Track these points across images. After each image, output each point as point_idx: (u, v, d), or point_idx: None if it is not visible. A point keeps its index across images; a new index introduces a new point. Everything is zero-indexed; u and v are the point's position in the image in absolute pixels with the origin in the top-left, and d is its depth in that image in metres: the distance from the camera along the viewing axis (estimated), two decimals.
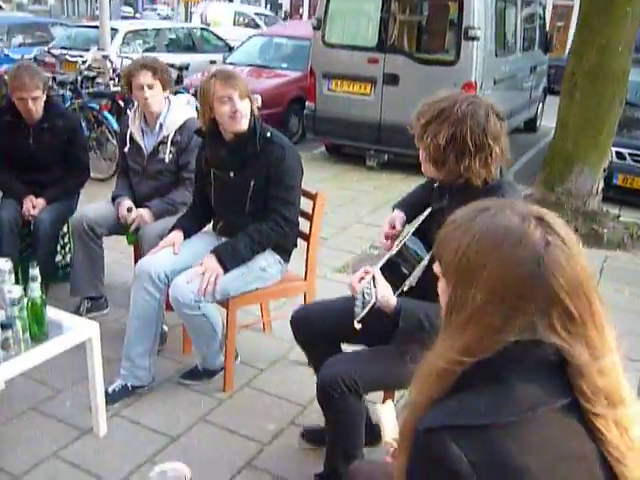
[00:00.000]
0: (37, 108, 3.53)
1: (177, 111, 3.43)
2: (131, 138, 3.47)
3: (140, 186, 3.48)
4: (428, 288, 2.08)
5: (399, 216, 2.46)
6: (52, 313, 2.42)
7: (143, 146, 3.44)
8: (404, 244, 2.20)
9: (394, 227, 2.44)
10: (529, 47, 9.26)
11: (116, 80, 6.85)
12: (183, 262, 2.86)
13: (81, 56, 7.40)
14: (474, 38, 6.86)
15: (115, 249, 4.01)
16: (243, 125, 2.77)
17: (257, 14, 20.71)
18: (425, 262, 2.20)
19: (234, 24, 18.98)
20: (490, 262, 0.99)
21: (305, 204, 3.00)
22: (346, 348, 2.43)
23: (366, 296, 1.93)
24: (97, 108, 6.19)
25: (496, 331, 0.98)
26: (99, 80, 7.01)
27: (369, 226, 5.56)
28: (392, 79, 7.30)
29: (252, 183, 2.81)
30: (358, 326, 1.93)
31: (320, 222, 3.03)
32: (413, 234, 2.24)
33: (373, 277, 1.98)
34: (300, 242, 3.07)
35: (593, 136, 5.28)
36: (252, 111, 2.81)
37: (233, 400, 2.96)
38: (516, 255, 0.98)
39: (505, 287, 0.98)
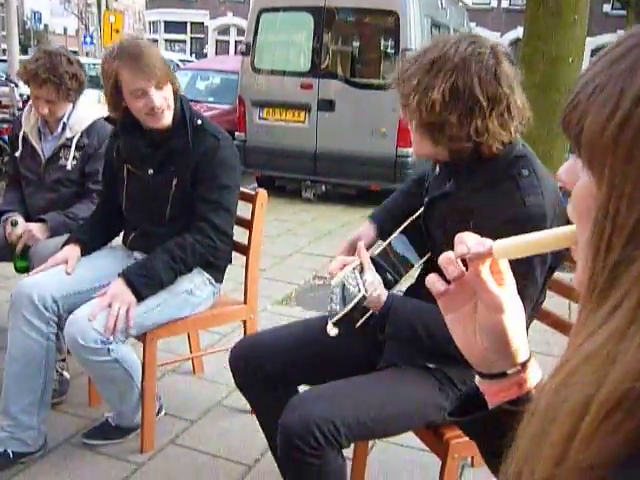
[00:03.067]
0: None
1: (84, 109, 2.80)
2: (24, 140, 2.80)
3: (35, 199, 2.79)
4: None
5: (366, 234, 1.79)
6: None
7: (40, 150, 2.77)
8: (389, 244, 1.64)
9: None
10: None
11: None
12: (79, 284, 2.19)
13: None
14: None
15: (3, 278, 3.26)
16: (165, 120, 2.17)
17: (181, 60, 20.44)
18: (416, 270, 1.64)
19: None
20: None
21: (241, 209, 2.40)
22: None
23: (349, 287, 1.35)
24: None
25: None
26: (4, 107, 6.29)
27: (310, 256, 5.00)
28: (327, 105, 6.89)
29: (174, 182, 2.20)
30: (333, 331, 1.35)
31: (261, 228, 2.43)
32: (402, 233, 1.68)
33: (360, 265, 1.41)
34: (235, 257, 2.45)
35: (548, 151, 4.94)
36: (177, 93, 2.21)
37: (155, 463, 2.26)
38: None
39: None
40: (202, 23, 32.06)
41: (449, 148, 1.48)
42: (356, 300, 1.31)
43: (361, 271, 1.41)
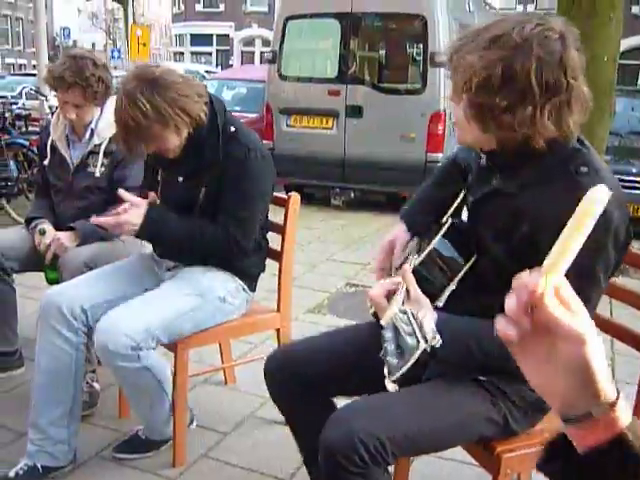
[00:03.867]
0: None
1: (112, 115, 2.74)
2: (53, 148, 2.76)
3: (64, 207, 2.74)
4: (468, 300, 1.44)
5: (400, 236, 1.69)
6: None
7: (68, 158, 2.73)
8: (433, 249, 1.51)
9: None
10: None
11: None
12: (109, 293, 2.13)
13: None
14: (441, 64, 6.44)
15: (34, 288, 3.23)
16: (175, 154, 2.11)
17: (207, 72, 20.57)
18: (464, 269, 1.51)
19: None
20: None
21: (274, 213, 2.32)
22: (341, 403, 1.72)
23: (404, 336, 1.18)
24: (27, 145, 5.45)
25: None
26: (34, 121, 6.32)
27: (342, 263, 4.91)
28: (355, 111, 6.81)
29: (202, 191, 2.13)
30: (393, 387, 1.20)
31: (294, 233, 2.35)
32: (444, 236, 1.56)
33: (407, 292, 1.27)
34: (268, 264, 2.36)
35: None
36: (199, 114, 2.04)
37: (187, 477, 2.18)
38: None
39: None
40: (227, 35, 32.35)
41: (497, 137, 1.37)
42: (417, 355, 1.15)
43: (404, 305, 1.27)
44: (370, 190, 7.09)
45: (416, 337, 1.15)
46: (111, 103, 2.77)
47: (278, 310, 2.37)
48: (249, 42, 32.49)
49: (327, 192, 7.17)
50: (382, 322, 1.21)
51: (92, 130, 2.68)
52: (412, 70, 6.85)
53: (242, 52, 32.39)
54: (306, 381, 1.64)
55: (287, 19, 7.01)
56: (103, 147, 2.66)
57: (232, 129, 2.13)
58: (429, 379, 1.53)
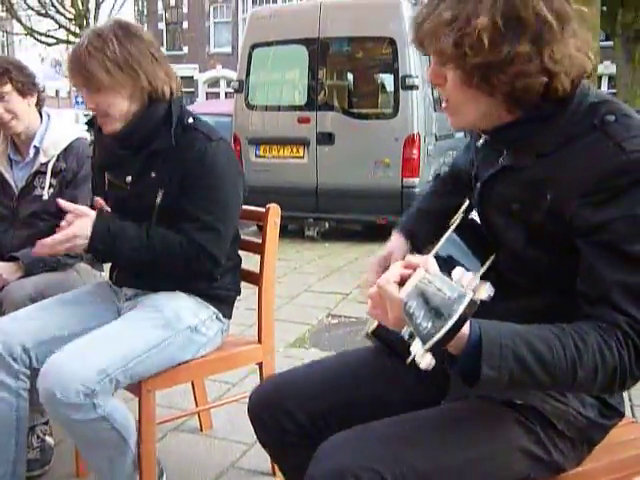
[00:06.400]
0: None
1: (59, 129, 2.45)
2: None
3: (7, 237, 2.40)
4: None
5: (397, 248, 1.45)
6: None
7: (11, 180, 2.41)
8: (440, 256, 1.23)
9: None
10: None
11: None
12: (58, 329, 1.81)
13: None
14: (412, 87, 6.31)
15: None
16: (114, 127, 1.82)
17: None
18: (481, 270, 1.22)
19: None
20: None
21: (251, 232, 2.02)
22: None
23: (437, 287, 0.86)
24: None
25: None
26: None
27: (321, 294, 4.63)
28: (326, 138, 6.61)
29: (160, 194, 1.82)
30: (427, 361, 0.84)
31: (275, 251, 2.05)
32: (455, 234, 1.29)
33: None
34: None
35: None
36: (162, 88, 1.83)
37: None
38: None
39: None
40: (192, 77, 32.37)
41: (507, 99, 1.11)
42: (463, 308, 0.81)
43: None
44: (345, 219, 6.87)
45: (457, 289, 0.84)
46: (55, 117, 2.50)
47: (259, 341, 2.05)
48: (214, 83, 32.55)
49: (300, 223, 6.91)
50: (402, 294, 0.90)
51: (37, 148, 2.39)
52: (383, 94, 6.72)
53: (207, 93, 32.38)
54: (302, 420, 1.34)
55: (253, 47, 6.84)
56: (50, 166, 2.37)
57: (190, 120, 1.85)
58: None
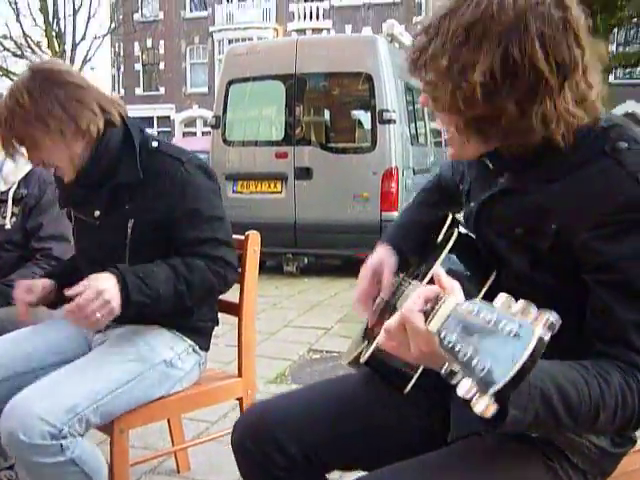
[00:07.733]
0: None
1: (18, 158, 2.36)
2: None
3: None
4: None
5: (387, 260, 1.35)
6: None
7: None
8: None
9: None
10: (439, 144, 8.92)
11: None
12: (23, 364, 1.70)
13: None
14: (390, 121, 6.33)
15: None
16: (69, 176, 1.73)
17: None
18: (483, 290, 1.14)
19: None
20: None
21: None
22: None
23: (487, 319, 0.72)
24: None
25: None
26: None
27: (302, 329, 4.52)
28: (304, 173, 6.58)
29: (130, 224, 1.72)
30: (492, 409, 0.69)
31: (255, 278, 1.97)
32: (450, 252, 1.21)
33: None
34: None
35: None
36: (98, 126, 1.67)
37: None
38: None
39: None
40: (169, 117, 32.48)
41: (507, 145, 1.06)
42: (534, 344, 0.67)
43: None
44: (324, 254, 6.78)
45: (515, 321, 0.70)
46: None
47: (239, 375, 1.94)
48: (190, 122, 32.66)
49: (279, 259, 6.81)
50: (431, 327, 0.79)
51: None
52: (360, 129, 6.74)
53: (184, 133, 32.45)
54: (292, 453, 1.24)
55: (230, 83, 6.84)
56: (11, 194, 2.29)
57: (154, 143, 1.76)
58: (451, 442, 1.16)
